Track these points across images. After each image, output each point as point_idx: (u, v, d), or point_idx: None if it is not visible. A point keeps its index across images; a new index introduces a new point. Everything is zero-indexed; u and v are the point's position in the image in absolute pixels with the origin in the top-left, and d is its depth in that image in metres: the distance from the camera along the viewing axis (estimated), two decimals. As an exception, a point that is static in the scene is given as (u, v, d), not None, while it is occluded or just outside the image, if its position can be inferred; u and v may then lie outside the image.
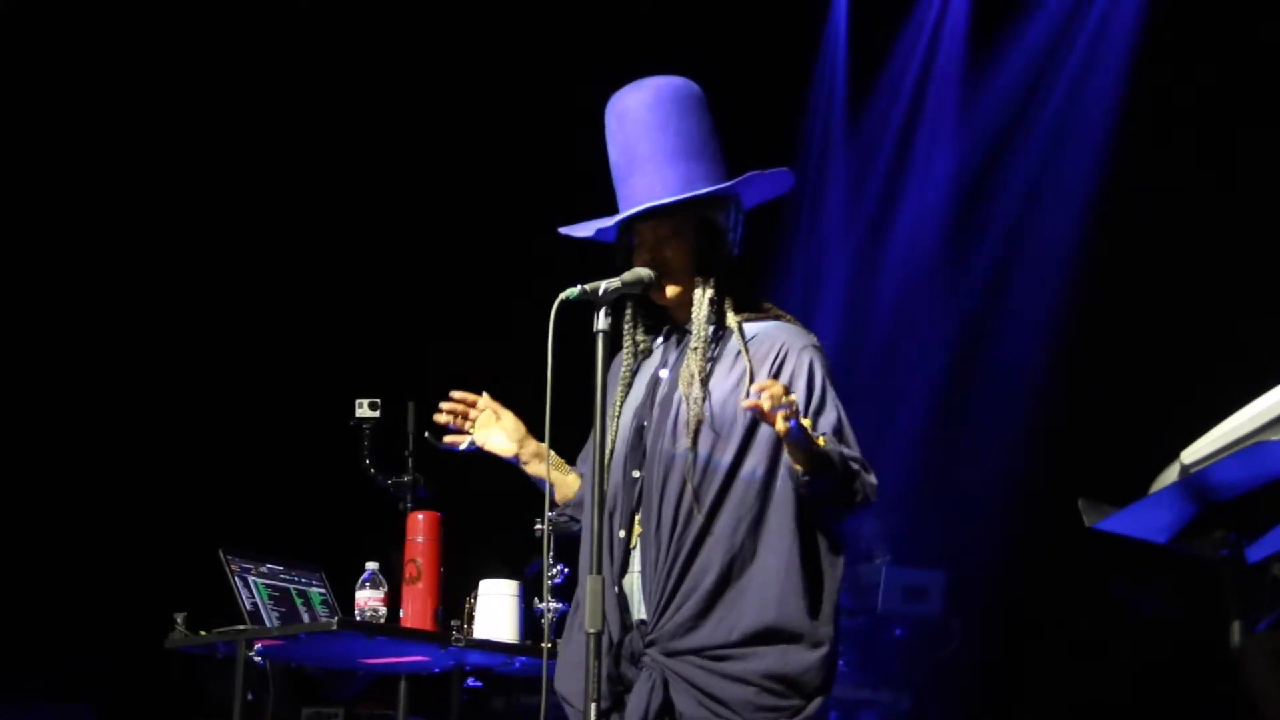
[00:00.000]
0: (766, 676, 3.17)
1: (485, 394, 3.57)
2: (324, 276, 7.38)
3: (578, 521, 3.55)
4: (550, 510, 3.50)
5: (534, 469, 3.55)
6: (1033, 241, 7.52)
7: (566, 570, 4.21)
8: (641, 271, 3.35)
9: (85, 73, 7.04)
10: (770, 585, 3.20)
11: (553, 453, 3.54)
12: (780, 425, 3.00)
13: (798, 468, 3.15)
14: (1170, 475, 2.98)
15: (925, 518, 7.32)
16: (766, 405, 3.01)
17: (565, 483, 3.57)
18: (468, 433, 3.57)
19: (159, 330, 7.26)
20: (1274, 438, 2.80)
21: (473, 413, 3.57)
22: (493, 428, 3.56)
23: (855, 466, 3.21)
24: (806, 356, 3.32)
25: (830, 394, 3.31)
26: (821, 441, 3.14)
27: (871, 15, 7.92)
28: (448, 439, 3.59)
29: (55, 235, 7.05)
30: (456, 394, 3.57)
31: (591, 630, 3.07)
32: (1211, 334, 6.44)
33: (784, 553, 3.22)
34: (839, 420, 3.28)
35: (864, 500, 3.22)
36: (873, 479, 3.24)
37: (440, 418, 3.57)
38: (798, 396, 3.20)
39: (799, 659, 3.18)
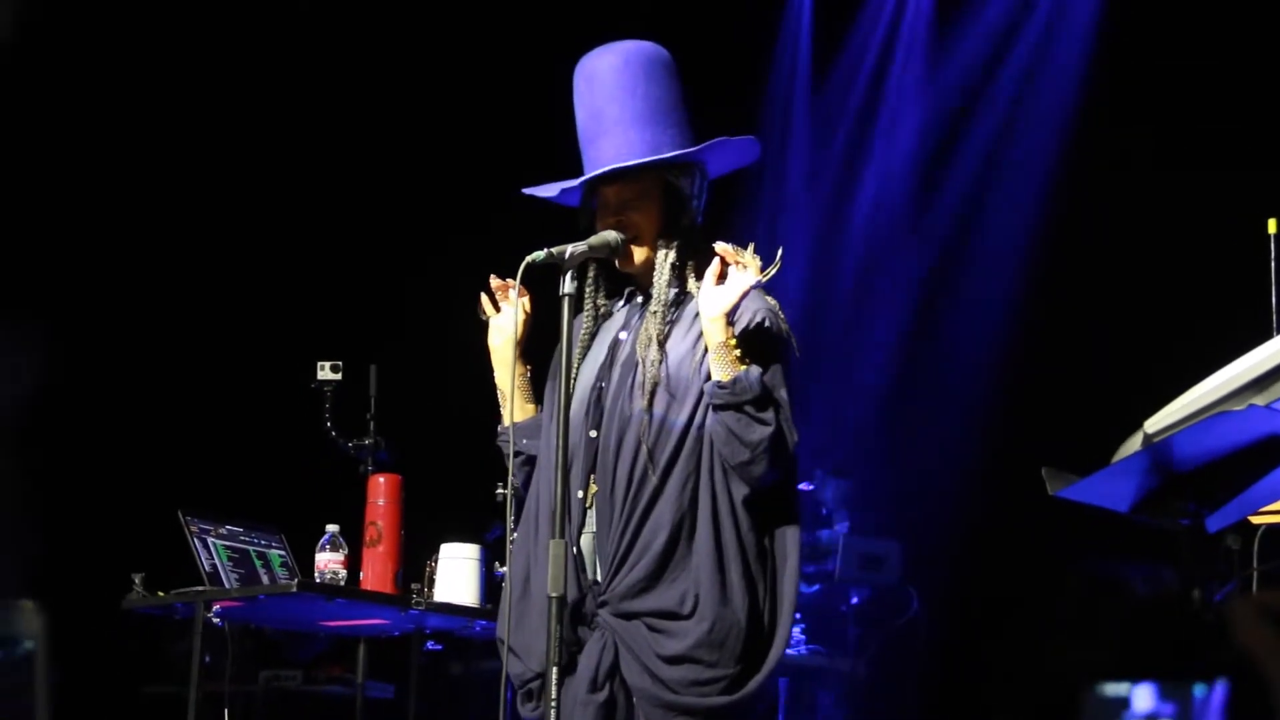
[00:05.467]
0: (697, 646, 3.18)
1: (523, 291, 3.47)
2: (286, 237, 7.33)
3: (520, 454, 3.51)
4: (504, 439, 3.46)
5: (501, 375, 3.51)
6: (994, 212, 7.53)
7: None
8: (609, 235, 3.35)
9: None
10: (705, 550, 3.21)
11: (526, 375, 3.52)
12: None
13: (715, 378, 3.19)
14: (1133, 444, 2.98)
15: (883, 487, 7.33)
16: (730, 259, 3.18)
17: (523, 407, 3.51)
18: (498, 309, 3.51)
19: (119, 292, 7.19)
20: (1236, 408, 2.81)
21: (511, 295, 3.46)
22: (504, 316, 3.49)
23: (774, 410, 3.19)
24: (760, 315, 3.32)
25: (774, 347, 3.30)
26: (741, 366, 3.17)
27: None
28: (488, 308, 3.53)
29: (3, 199, 6.97)
30: (497, 281, 3.48)
31: (554, 594, 3.08)
32: (1175, 303, 6.46)
33: (726, 513, 3.22)
34: (775, 369, 3.26)
35: (775, 447, 3.18)
36: (793, 434, 3.22)
37: (495, 282, 3.49)
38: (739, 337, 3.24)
39: (723, 624, 3.18)
